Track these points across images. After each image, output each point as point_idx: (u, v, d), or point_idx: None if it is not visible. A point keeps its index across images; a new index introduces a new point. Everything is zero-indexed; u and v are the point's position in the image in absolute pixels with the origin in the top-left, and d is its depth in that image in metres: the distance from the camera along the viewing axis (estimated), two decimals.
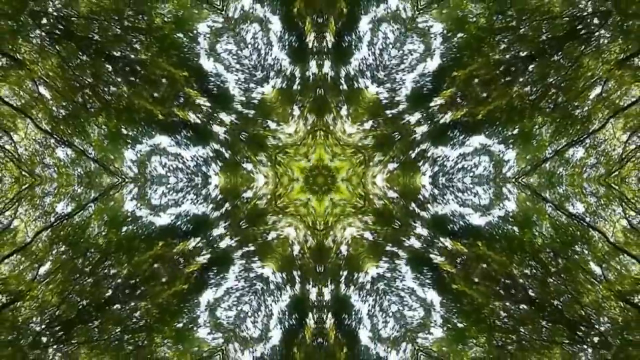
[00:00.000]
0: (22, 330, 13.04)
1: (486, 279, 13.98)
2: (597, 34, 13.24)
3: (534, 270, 13.94)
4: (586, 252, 13.73)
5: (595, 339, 13.43)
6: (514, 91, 13.79)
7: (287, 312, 14.07)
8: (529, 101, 13.79)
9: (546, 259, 13.82)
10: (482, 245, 13.95)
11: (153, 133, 13.88)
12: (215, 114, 14.03)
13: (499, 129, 14.07)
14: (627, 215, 13.22)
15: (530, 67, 13.68)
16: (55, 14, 12.91)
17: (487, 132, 13.97)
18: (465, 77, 13.78)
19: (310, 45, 13.70)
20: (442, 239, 14.11)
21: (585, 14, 13.19)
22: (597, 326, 13.46)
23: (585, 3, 13.14)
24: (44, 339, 13.19)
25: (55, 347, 13.18)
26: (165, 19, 13.47)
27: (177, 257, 14.11)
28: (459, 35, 13.64)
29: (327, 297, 14.14)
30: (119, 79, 13.75)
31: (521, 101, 13.80)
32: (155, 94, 13.78)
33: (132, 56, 13.61)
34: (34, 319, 13.23)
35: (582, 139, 13.55)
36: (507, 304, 13.86)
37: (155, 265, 14.06)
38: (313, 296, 14.14)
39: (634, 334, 13.17)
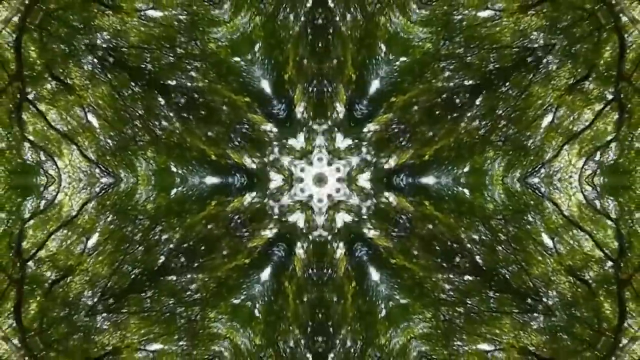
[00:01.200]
0: (74, 305, 12.79)
1: (427, 250, 13.54)
2: (544, 60, 12.99)
3: (483, 237, 13.62)
4: (539, 222, 13.40)
5: (541, 309, 13.15)
6: (462, 127, 13.51)
7: None
8: (478, 136, 13.46)
9: (497, 225, 13.48)
10: (430, 205, 13.69)
11: (204, 173, 13.62)
12: (284, 140, 13.50)
13: (448, 168, 13.78)
14: (583, 190, 12.99)
15: (478, 101, 13.37)
16: (104, 45, 12.65)
17: (436, 173, 13.72)
18: (404, 104, 13.38)
19: None
20: (386, 193, 13.70)
21: (536, 45, 12.90)
22: (545, 299, 13.22)
23: (536, 35, 12.88)
24: (96, 309, 12.95)
25: (105, 315, 12.96)
26: (220, 43, 13.04)
27: (234, 218, 13.51)
28: (402, 59, 13.22)
29: None
30: (172, 114, 13.41)
31: (470, 137, 13.48)
32: (210, 133, 13.45)
33: (189, 84, 13.29)
34: (86, 292, 13.01)
35: (537, 169, 13.38)
36: (451, 276, 13.56)
37: (209, 227, 13.57)
38: None
39: (581, 310, 13.04)
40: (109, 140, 13.04)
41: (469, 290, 13.44)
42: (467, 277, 13.50)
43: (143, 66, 12.90)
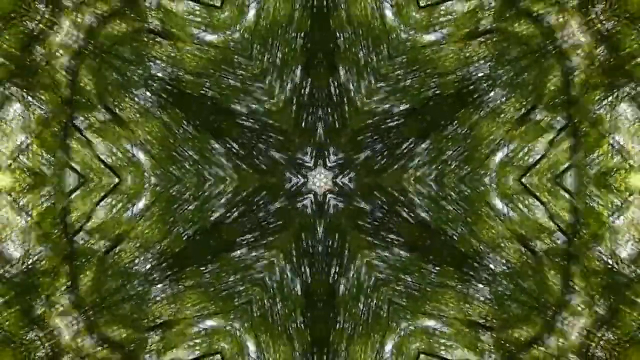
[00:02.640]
0: (128, 274, 12.63)
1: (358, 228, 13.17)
2: (491, 94, 12.69)
3: (431, 192, 13.26)
4: (494, 185, 13.02)
5: (486, 276, 12.84)
6: (410, 174, 13.36)
7: None
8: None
9: (449, 183, 13.15)
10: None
11: None
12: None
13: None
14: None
15: (424, 145, 13.10)
16: (159, 74, 12.48)
17: None
18: (352, 139, 13.22)
19: None
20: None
21: (480, 74, 12.58)
22: (491, 266, 12.85)
23: (481, 64, 12.58)
24: (151, 279, 12.70)
25: (160, 286, 12.63)
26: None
27: None
28: None
29: None
30: (225, 160, 13.14)
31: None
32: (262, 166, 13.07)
33: (254, 106, 12.98)
34: (139, 259, 12.79)
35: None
36: (386, 254, 13.23)
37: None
38: None
39: (527, 281, 12.71)
40: (153, 179, 12.85)
41: (406, 267, 13.20)
42: (401, 253, 13.19)
43: (203, 92, 12.67)
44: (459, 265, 12.85)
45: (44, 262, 11.90)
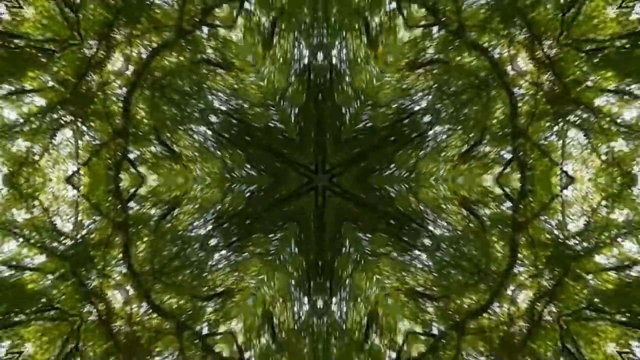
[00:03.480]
0: (185, 238, 12.56)
1: None
2: (431, 131, 12.25)
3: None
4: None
5: (427, 242, 12.62)
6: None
7: None
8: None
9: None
10: None
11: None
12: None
13: None
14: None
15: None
16: (223, 108, 12.36)
17: None
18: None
19: None
20: None
21: (418, 108, 12.18)
22: (431, 228, 12.62)
23: (420, 96, 12.11)
24: (213, 242, 12.67)
25: (223, 252, 12.58)
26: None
27: None
28: None
29: None
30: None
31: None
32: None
33: None
34: (196, 222, 12.72)
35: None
36: None
37: None
38: None
39: (469, 246, 12.45)
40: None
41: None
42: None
43: (272, 125, 12.74)
44: (395, 231, 12.70)
45: (96, 233, 11.98)
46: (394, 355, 12.17)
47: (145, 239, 12.34)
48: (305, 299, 12.80)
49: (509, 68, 11.85)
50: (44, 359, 11.54)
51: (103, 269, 12.02)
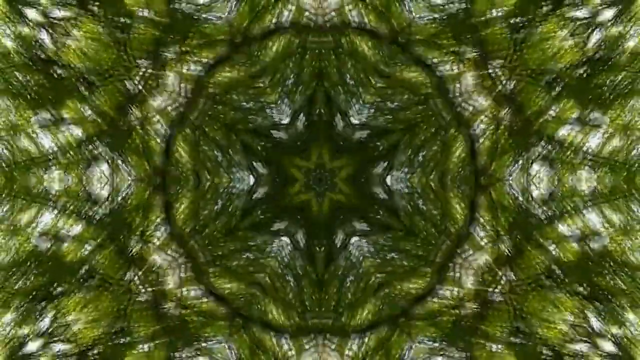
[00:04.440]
0: (228, 195, 11.87)
1: None
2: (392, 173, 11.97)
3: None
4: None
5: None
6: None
7: None
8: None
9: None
10: None
11: None
12: None
13: None
14: None
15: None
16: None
17: None
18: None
19: None
20: None
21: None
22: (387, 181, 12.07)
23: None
24: (255, 197, 12.28)
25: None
26: None
27: None
28: None
29: None
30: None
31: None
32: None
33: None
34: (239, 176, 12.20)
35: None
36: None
37: None
38: None
39: (428, 206, 12.04)
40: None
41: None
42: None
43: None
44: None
45: (133, 197, 11.48)
46: None
47: (185, 199, 11.89)
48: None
49: (462, 100, 11.43)
50: (93, 334, 11.57)
51: (143, 234, 11.76)
